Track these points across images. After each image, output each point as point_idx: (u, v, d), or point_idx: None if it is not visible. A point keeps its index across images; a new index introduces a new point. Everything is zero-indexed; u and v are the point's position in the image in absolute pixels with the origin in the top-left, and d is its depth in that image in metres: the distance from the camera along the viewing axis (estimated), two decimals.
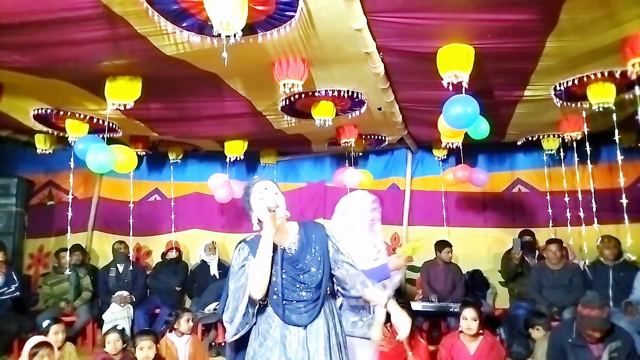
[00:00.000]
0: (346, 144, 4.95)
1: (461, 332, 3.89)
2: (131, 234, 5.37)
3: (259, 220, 2.15)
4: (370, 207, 2.89)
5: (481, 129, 3.89)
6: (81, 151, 3.96)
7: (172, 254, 5.99)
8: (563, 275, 4.89)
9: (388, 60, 3.27)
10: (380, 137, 5.57)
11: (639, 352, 3.55)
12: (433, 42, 2.98)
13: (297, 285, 2.11)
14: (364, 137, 5.41)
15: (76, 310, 5.41)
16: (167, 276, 5.89)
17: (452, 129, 3.68)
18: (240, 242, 2.21)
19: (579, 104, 3.95)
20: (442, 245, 5.60)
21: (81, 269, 5.74)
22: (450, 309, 5.00)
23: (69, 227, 4.62)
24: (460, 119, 3.29)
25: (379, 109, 4.34)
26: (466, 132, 3.98)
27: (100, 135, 4.19)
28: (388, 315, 2.38)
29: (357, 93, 3.89)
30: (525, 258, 5.34)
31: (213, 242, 6.11)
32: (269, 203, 2.06)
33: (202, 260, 5.99)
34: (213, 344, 5.36)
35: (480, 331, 3.85)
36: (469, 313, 3.83)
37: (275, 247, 2.11)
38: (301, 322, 2.09)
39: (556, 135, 5.18)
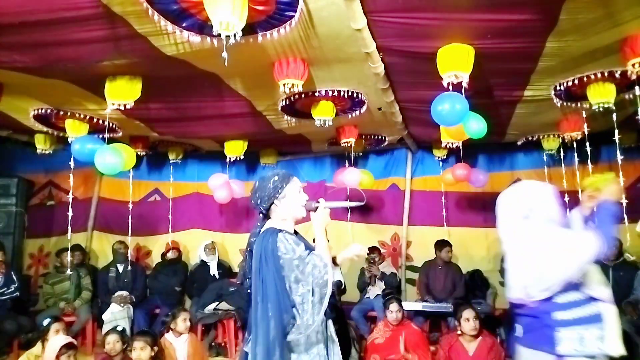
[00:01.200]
0: (346, 144, 4.94)
1: (459, 333, 3.88)
2: (130, 234, 5.37)
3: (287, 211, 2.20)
4: (555, 197, 2.42)
5: (475, 128, 3.70)
6: (78, 152, 3.95)
7: (172, 254, 5.99)
8: None
9: (388, 60, 3.26)
10: (380, 137, 5.57)
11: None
12: (433, 42, 2.98)
13: None
14: (364, 137, 5.41)
15: (76, 310, 5.41)
16: (167, 276, 5.88)
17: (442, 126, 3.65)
18: (278, 232, 2.07)
19: (579, 104, 3.95)
20: (442, 245, 5.60)
21: (82, 269, 5.74)
22: (450, 309, 4.99)
23: (69, 227, 4.62)
24: (447, 116, 3.27)
25: (379, 109, 4.34)
26: None
27: (100, 136, 4.19)
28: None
29: (357, 93, 3.89)
30: None
31: (213, 242, 6.11)
32: (333, 204, 2.25)
33: (202, 260, 5.99)
34: (213, 344, 5.36)
35: (479, 331, 3.85)
36: (470, 314, 3.82)
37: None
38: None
39: (556, 135, 5.17)
